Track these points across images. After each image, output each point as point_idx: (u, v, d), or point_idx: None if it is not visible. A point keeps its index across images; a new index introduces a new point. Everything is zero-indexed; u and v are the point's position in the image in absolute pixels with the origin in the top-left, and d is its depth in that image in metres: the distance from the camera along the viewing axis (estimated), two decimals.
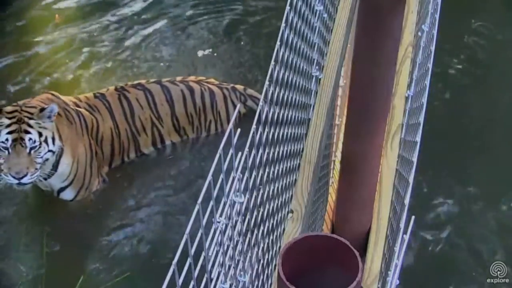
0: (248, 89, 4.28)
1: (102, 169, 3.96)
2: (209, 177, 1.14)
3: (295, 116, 2.04)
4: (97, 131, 3.88)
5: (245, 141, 1.39)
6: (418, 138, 1.84)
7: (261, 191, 1.60)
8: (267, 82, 1.56)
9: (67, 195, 3.85)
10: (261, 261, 1.73)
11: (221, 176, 1.22)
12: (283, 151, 1.90)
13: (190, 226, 1.10)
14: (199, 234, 1.15)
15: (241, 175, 1.33)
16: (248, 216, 1.49)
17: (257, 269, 1.68)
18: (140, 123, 4.03)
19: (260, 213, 1.61)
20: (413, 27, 2.71)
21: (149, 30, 5.00)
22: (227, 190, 1.27)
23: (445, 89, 4.52)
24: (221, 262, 1.31)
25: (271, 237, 1.85)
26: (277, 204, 1.89)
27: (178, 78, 4.20)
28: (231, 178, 1.30)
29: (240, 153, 1.31)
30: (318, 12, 2.16)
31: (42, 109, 3.46)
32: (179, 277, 1.07)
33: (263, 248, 1.73)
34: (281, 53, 1.70)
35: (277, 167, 1.83)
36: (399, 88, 2.50)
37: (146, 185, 4.00)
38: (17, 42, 4.89)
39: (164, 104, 4.06)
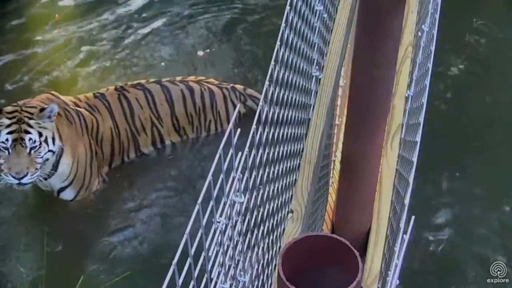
0: (248, 89, 4.28)
1: (102, 169, 3.96)
2: (209, 177, 1.14)
3: (295, 116, 2.04)
4: (97, 131, 3.88)
5: (245, 141, 1.39)
6: (418, 138, 1.84)
7: (261, 191, 1.60)
8: (267, 82, 1.56)
9: (67, 195, 3.85)
10: (261, 261, 1.73)
11: (221, 176, 1.22)
12: (283, 151, 1.90)
13: (190, 226, 1.10)
14: (199, 234, 1.15)
15: (241, 175, 1.32)
16: (248, 216, 1.49)
17: (257, 269, 1.68)
18: (140, 123, 4.03)
19: (260, 213, 1.61)
20: (413, 27, 2.71)
21: (148, 29, 5.00)
22: (227, 190, 1.27)
23: (446, 89, 4.52)
24: (221, 262, 1.31)
25: (271, 237, 1.85)
26: (277, 204, 1.89)
27: (178, 78, 4.20)
28: (231, 178, 1.30)
29: (240, 153, 1.30)
30: (318, 12, 2.16)
31: (42, 109, 3.46)
32: (179, 277, 1.07)
33: (263, 248, 1.73)
34: (281, 53, 1.70)
35: (277, 167, 1.83)
36: (399, 88, 2.50)
37: (146, 185, 4.00)
38: (16, 41, 4.89)
39: (163, 104, 4.06)
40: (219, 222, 1.25)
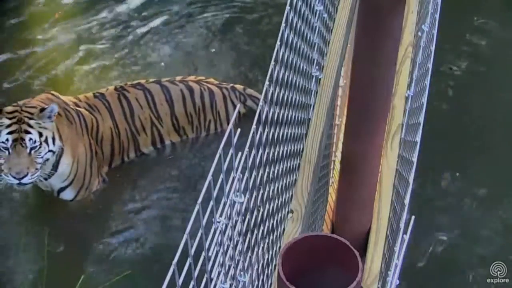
0: (247, 88, 4.27)
1: (102, 169, 3.96)
2: (209, 177, 1.14)
3: (295, 116, 2.04)
4: (97, 131, 3.88)
5: (245, 141, 1.39)
6: (418, 138, 1.84)
7: (261, 191, 1.60)
8: (267, 82, 1.56)
9: (67, 195, 3.85)
10: (261, 261, 1.73)
11: (221, 176, 1.22)
12: (283, 151, 1.90)
13: (190, 226, 1.10)
14: (199, 234, 1.15)
15: (241, 175, 1.32)
16: (248, 216, 1.49)
17: (257, 269, 1.68)
18: (140, 123, 4.03)
19: (260, 213, 1.61)
20: (413, 27, 2.71)
21: (147, 27, 4.99)
22: (227, 190, 1.27)
23: (446, 89, 4.51)
24: (221, 262, 1.31)
25: (271, 237, 1.85)
26: (277, 204, 1.89)
27: (178, 78, 4.20)
28: (231, 178, 1.30)
29: (240, 153, 1.30)
30: (318, 12, 2.16)
31: (42, 109, 3.46)
32: (179, 277, 1.07)
33: (263, 248, 1.73)
34: (281, 53, 1.70)
35: (277, 167, 1.83)
36: (399, 88, 2.50)
37: (146, 185, 4.00)
38: (15, 39, 4.88)
39: (163, 103, 4.06)
40: (219, 222, 1.25)
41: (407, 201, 1.56)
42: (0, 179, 3.50)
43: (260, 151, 1.55)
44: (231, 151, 1.26)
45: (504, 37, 4.87)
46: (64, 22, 5.03)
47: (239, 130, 1.25)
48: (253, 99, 4.21)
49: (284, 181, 1.97)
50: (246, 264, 1.51)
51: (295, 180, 2.09)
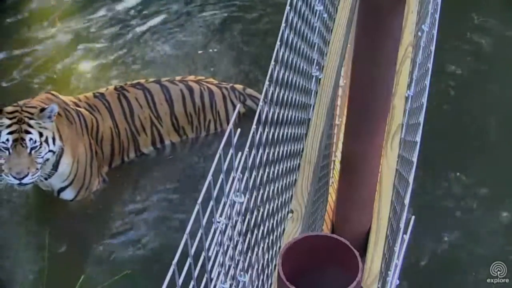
0: (247, 88, 4.27)
1: (102, 169, 3.96)
2: (209, 177, 1.14)
3: (295, 116, 2.04)
4: (97, 130, 3.89)
5: (245, 141, 1.39)
6: (418, 138, 1.84)
7: (261, 191, 1.60)
8: (267, 82, 1.56)
9: (67, 195, 3.85)
10: (261, 261, 1.73)
11: (221, 176, 1.22)
12: (283, 151, 1.90)
13: (190, 226, 1.10)
14: (199, 234, 1.15)
15: (241, 175, 1.32)
16: (248, 216, 1.49)
17: (257, 269, 1.68)
18: (140, 123, 4.03)
19: (260, 213, 1.61)
20: (413, 27, 2.70)
21: (146, 26, 4.99)
22: (227, 190, 1.27)
23: (446, 88, 4.51)
24: (221, 262, 1.31)
25: (271, 237, 1.85)
26: (277, 204, 1.89)
27: (178, 78, 4.20)
28: (231, 178, 1.30)
29: (240, 153, 1.30)
30: (318, 12, 2.16)
31: (42, 109, 3.46)
32: (179, 277, 1.07)
33: (263, 248, 1.73)
34: (281, 53, 1.70)
35: (277, 167, 1.83)
36: (399, 88, 2.50)
37: (146, 185, 4.00)
38: (13, 38, 4.87)
39: (163, 103, 4.06)
40: (219, 222, 1.25)
41: (407, 201, 1.56)
42: (0, 179, 3.50)
43: (260, 151, 1.54)
44: (231, 151, 1.26)
45: (505, 34, 4.86)
46: (63, 21, 5.03)
47: (239, 130, 1.25)
48: (253, 99, 4.21)
49: (284, 181, 1.97)
50: (246, 264, 1.51)
51: (295, 180, 2.09)
